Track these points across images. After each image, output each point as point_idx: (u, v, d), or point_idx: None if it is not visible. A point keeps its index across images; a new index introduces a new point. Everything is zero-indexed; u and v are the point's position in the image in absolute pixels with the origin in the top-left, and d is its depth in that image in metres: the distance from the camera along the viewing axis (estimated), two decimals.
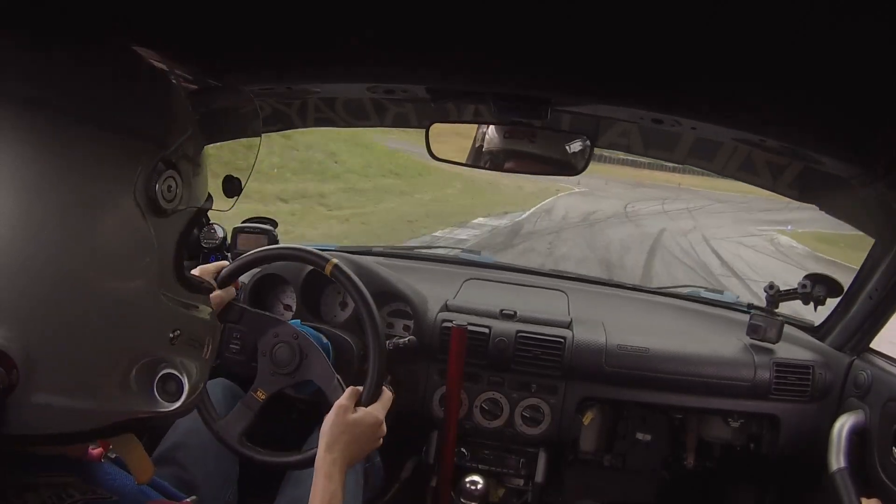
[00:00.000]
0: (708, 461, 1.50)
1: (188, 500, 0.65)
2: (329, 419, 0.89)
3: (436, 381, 1.37)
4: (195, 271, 0.98)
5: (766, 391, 1.33)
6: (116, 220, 0.48)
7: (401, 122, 1.49)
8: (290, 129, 1.50)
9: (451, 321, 1.33)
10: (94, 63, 0.50)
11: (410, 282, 1.46)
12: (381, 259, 1.68)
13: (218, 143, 0.77)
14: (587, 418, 1.43)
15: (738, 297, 1.74)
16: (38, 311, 0.45)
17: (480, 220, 11.46)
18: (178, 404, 0.54)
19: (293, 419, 1.30)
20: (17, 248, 0.44)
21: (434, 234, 9.22)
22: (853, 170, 0.88)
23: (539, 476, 1.38)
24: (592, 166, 1.10)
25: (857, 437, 1.18)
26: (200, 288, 0.59)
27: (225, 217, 1.08)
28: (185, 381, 0.54)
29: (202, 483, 1.02)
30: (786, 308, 1.43)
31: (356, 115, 1.49)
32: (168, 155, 0.52)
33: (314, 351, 1.04)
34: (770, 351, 1.37)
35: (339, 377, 1.01)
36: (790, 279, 1.46)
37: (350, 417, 0.90)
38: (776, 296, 1.38)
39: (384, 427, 0.94)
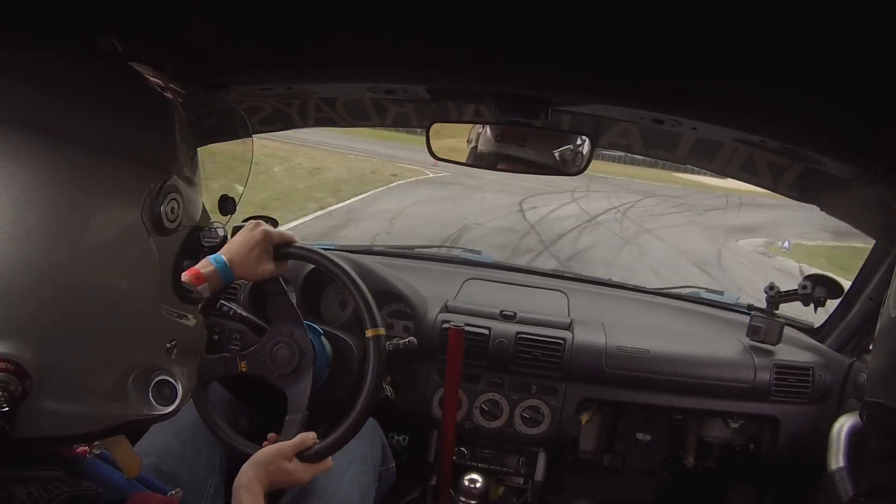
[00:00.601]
0: (708, 461, 1.50)
1: (173, 492, 0.69)
2: (266, 454, 0.92)
3: (436, 381, 1.37)
4: (260, 229, 1.01)
5: (766, 393, 1.33)
6: (125, 240, 0.52)
7: (401, 122, 1.49)
8: (290, 128, 1.50)
9: (450, 322, 1.33)
10: (107, 92, 0.53)
11: (410, 281, 1.46)
12: (380, 259, 1.68)
13: (213, 161, 0.78)
14: (584, 419, 1.43)
15: (738, 297, 1.74)
16: (53, 325, 0.48)
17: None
18: (172, 408, 0.57)
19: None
20: (34, 266, 0.47)
21: None
22: (853, 170, 0.88)
23: (539, 475, 1.38)
24: None
25: (857, 437, 1.18)
26: (192, 298, 0.62)
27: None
28: (179, 386, 0.57)
29: (182, 473, 1.02)
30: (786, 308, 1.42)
31: (357, 115, 1.49)
32: (172, 178, 0.55)
33: (307, 376, 1.03)
34: (770, 352, 1.37)
35: (306, 414, 1.00)
36: None
37: (281, 465, 0.92)
38: (776, 297, 1.38)
39: (301, 482, 0.96)
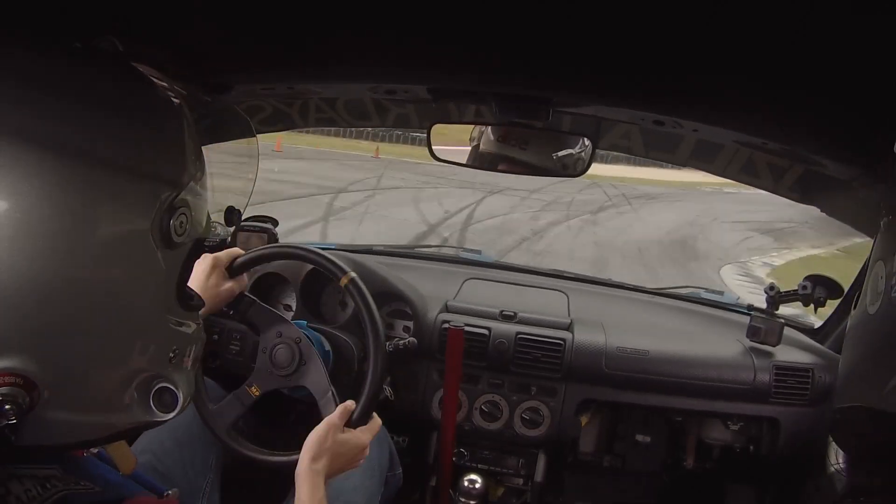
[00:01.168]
0: (707, 462, 1.50)
1: (169, 492, 0.69)
2: (317, 432, 0.90)
3: (436, 381, 1.37)
4: (207, 257, 0.99)
5: (765, 394, 1.33)
6: (135, 254, 0.52)
7: (402, 122, 1.50)
8: (291, 129, 1.50)
9: (450, 322, 1.33)
10: (120, 108, 0.53)
11: (411, 281, 1.46)
12: (381, 258, 1.68)
13: (217, 163, 0.78)
14: (584, 420, 1.43)
15: (738, 297, 1.74)
16: (61, 339, 0.49)
17: None
18: (172, 414, 0.58)
19: (291, 420, 1.30)
20: (45, 281, 0.47)
21: None
22: (854, 171, 0.88)
23: (539, 476, 1.38)
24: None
25: None
26: (194, 306, 0.62)
27: None
28: (180, 394, 0.58)
29: (178, 471, 1.02)
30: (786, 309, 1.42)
31: (357, 116, 1.49)
32: (182, 193, 0.55)
33: (313, 358, 1.03)
34: (770, 354, 1.37)
35: (333, 390, 1.01)
36: None
37: (338, 437, 0.91)
38: (776, 297, 1.38)
39: (367, 451, 0.96)
